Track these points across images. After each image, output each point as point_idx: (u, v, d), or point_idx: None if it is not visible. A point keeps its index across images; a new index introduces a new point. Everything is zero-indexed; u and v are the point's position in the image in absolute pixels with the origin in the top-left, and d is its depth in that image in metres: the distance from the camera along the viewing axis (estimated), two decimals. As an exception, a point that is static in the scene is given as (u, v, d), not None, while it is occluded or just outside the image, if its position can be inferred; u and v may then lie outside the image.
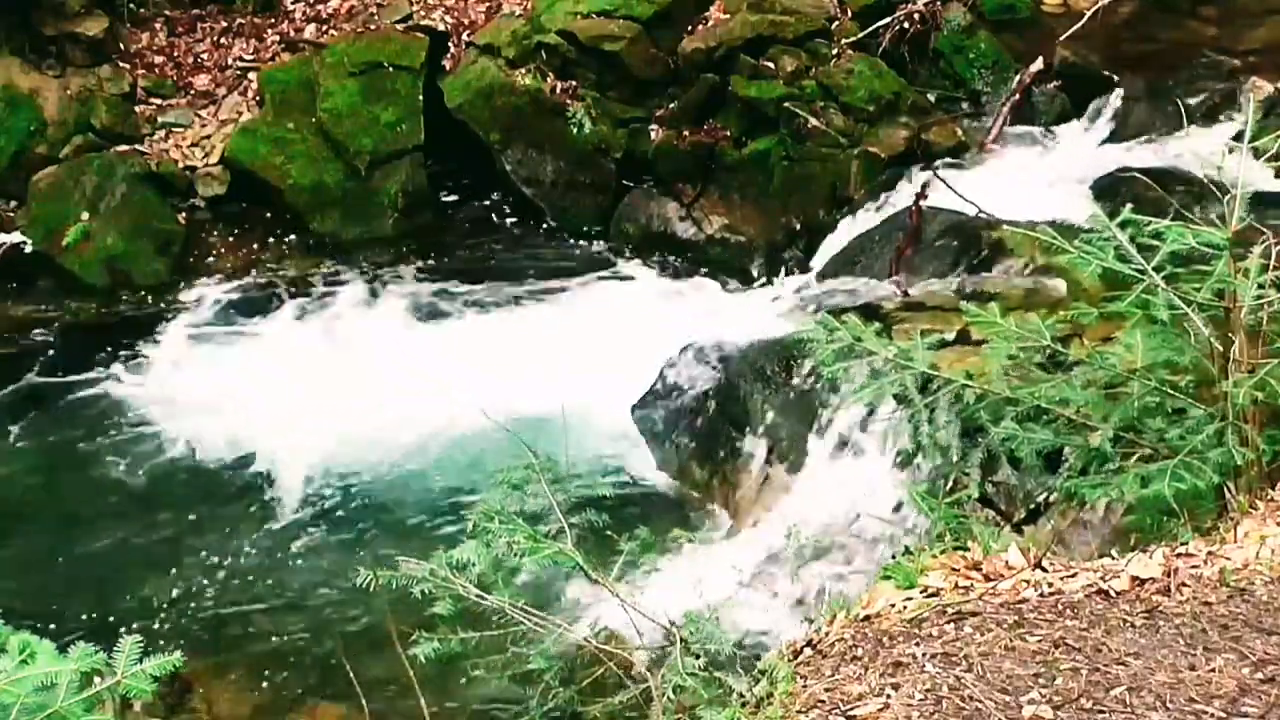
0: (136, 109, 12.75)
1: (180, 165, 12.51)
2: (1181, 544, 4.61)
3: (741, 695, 4.34)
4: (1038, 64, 11.89)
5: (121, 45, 13.04)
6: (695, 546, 8.23)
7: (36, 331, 11.51)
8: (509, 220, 12.67)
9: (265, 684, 8.13)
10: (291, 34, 13.33)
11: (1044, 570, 4.44)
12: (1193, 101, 10.99)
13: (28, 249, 12.06)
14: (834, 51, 12.14)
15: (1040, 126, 11.71)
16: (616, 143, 12.34)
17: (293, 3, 13.56)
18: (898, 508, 7.80)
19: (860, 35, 12.17)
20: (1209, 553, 4.48)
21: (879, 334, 5.72)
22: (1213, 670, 3.81)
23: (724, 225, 12.04)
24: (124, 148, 12.45)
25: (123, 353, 11.22)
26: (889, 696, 3.76)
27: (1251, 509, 4.87)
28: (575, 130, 12.29)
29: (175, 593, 8.88)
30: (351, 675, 5.64)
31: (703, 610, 4.99)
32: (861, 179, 11.47)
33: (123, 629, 8.06)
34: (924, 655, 3.92)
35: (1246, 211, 5.24)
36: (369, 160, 12.52)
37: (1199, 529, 4.83)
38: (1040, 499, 7.25)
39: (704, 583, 6.73)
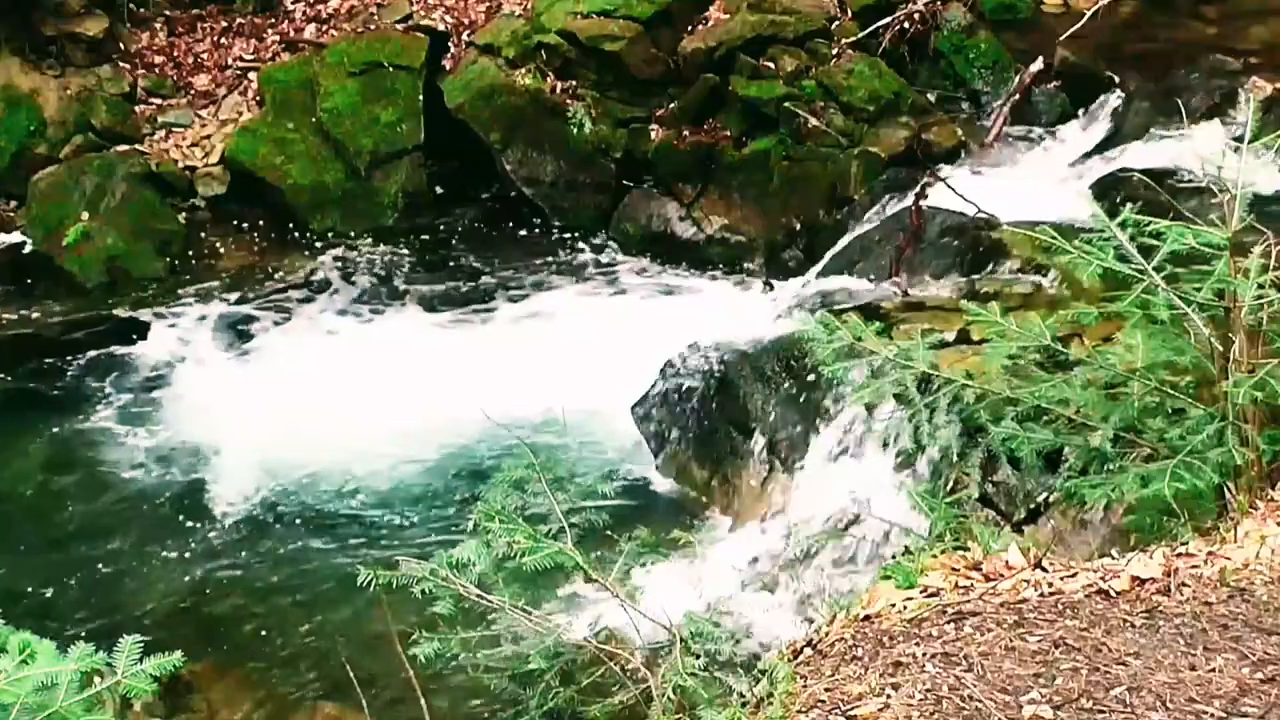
0: (136, 109, 12.76)
1: (180, 165, 12.52)
2: (1181, 544, 4.61)
3: (741, 695, 4.34)
4: (1038, 64, 11.88)
5: (121, 45, 13.04)
6: (695, 546, 8.23)
7: (36, 331, 11.50)
8: (509, 220, 12.67)
9: (265, 684, 8.13)
10: (291, 34, 13.33)
11: (1044, 570, 4.44)
12: (1193, 101, 10.97)
13: (28, 249, 12.07)
14: (834, 51, 12.14)
15: (1040, 126, 11.71)
16: (616, 143, 12.34)
17: (293, 3, 13.56)
18: (897, 508, 7.80)
19: (860, 35, 12.17)
20: (1209, 553, 4.47)
21: (879, 334, 5.72)
22: (1213, 670, 3.80)
23: (724, 225, 12.04)
24: (124, 148, 12.45)
25: (123, 353, 11.22)
26: (889, 696, 3.76)
27: (1251, 509, 4.87)
28: (575, 130, 12.29)
29: (176, 593, 8.88)
30: (351, 675, 5.64)
31: (703, 610, 4.99)
32: (861, 179, 11.47)
33: (123, 629, 8.07)
34: (924, 655, 3.92)
35: (1246, 211, 5.23)
36: (369, 160, 12.52)
37: (1199, 529, 4.83)
38: (1040, 499, 7.24)
39: (704, 583, 6.74)
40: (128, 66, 12.97)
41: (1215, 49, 11.70)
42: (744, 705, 4.22)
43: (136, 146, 12.52)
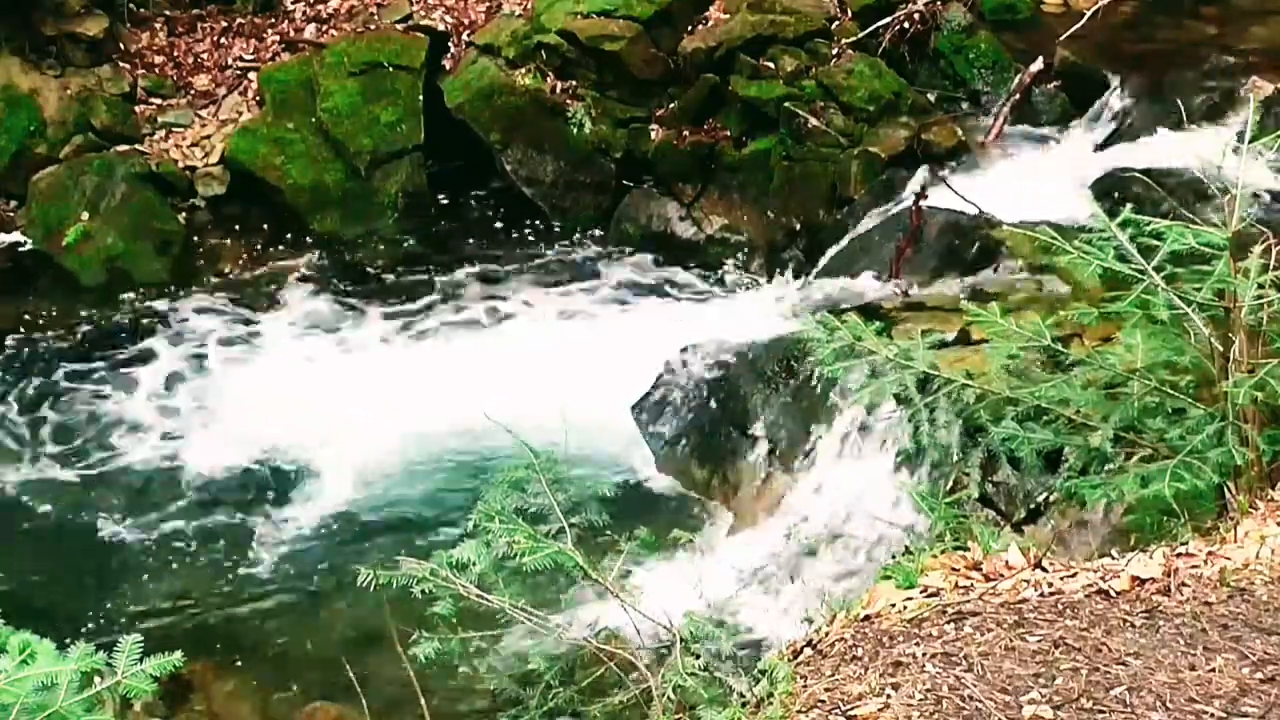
0: (136, 109, 12.75)
1: (180, 165, 12.51)
2: (1181, 544, 4.61)
3: (741, 695, 4.34)
4: (1038, 64, 11.88)
5: (121, 45, 13.04)
6: (695, 546, 8.23)
7: (36, 331, 11.50)
8: (509, 220, 12.67)
9: (265, 684, 8.13)
10: (291, 34, 13.33)
11: (1044, 570, 4.44)
12: (1193, 101, 10.98)
13: (28, 249, 12.07)
14: (834, 51, 12.14)
15: (1040, 126, 11.71)
16: (616, 143, 12.34)
17: (293, 3, 13.56)
18: (898, 508, 7.80)
19: (860, 35, 12.17)
20: (1209, 553, 4.47)
21: (879, 334, 5.72)
22: (1213, 670, 3.80)
23: (724, 225, 12.04)
24: (124, 148, 12.45)
25: (123, 353, 11.22)
26: (889, 696, 3.76)
27: (1251, 509, 4.87)
28: (575, 130, 12.29)
29: (175, 593, 8.89)
30: (351, 675, 5.64)
31: (703, 610, 4.99)
32: (861, 179, 11.47)
33: (123, 629, 8.07)
34: (924, 655, 3.92)
35: (1246, 211, 5.23)
36: (369, 160, 12.52)
37: (1199, 529, 4.83)
38: (1040, 499, 7.25)
39: (704, 583, 6.73)
40: (128, 66, 12.97)
41: (1215, 49, 11.70)
42: (744, 705, 4.22)
43: (136, 146, 12.52)
